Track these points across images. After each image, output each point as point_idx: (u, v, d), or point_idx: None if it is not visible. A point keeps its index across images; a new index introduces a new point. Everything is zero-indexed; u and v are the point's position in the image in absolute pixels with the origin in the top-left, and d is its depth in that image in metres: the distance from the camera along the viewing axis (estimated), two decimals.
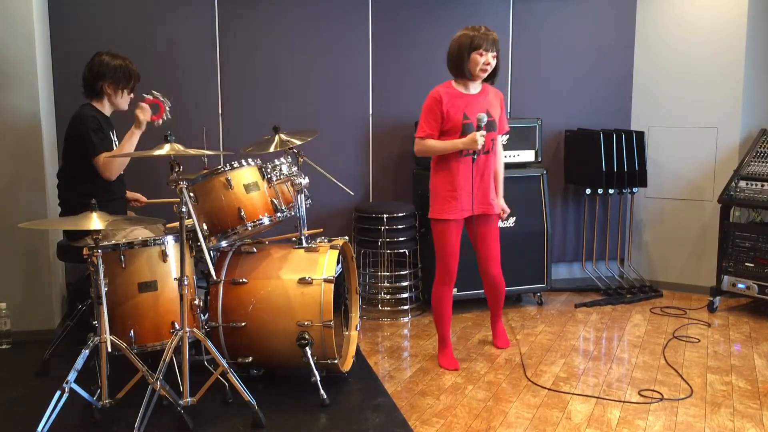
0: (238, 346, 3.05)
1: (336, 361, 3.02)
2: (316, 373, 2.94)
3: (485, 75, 3.23)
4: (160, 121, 3.36)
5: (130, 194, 3.62)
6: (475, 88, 3.29)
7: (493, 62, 3.20)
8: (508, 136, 4.31)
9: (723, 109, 4.55)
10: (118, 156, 3.11)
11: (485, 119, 3.15)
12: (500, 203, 3.47)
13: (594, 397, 3.07)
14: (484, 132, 3.14)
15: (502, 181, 3.50)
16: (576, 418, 2.86)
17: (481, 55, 3.16)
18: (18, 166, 3.66)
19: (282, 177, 3.13)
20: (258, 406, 2.73)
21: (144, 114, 3.22)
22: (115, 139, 3.32)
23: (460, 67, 3.22)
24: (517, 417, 2.87)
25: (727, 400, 3.05)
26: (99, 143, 3.15)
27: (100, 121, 3.22)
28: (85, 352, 2.64)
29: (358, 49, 4.55)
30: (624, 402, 3.02)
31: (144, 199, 3.71)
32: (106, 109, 3.33)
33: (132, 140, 3.18)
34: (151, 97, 3.35)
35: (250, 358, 3.05)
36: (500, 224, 4.26)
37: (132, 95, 3.37)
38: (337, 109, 4.55)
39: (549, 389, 3.15)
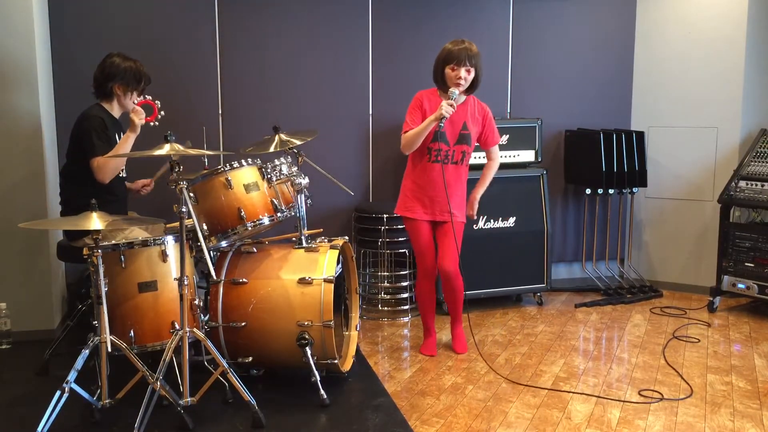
0: (238, 346, 3.05)
1: (336, 361, 3.02)
2: (316, 373, 2.94)
3: (461, 88, 3.32)
4: (155, 123, 3.34)
5: (134, 185, 3.58)
6: (456, 100, 3.33)
7: (467, 76, 3.29)
8: (508, 135, 4.34)
9: (723, 109, 4.56)
10: (110, 162, 3.10)
11: (456, 94, 3.27)
12: (474, 195, 3.56)
13: (594, 396, 3.07)
14: (452, 102, 3.23)
15: (487, 184, 3.59)
16: (576, 418, 2.86)
17: (453, 69, 3.29)
18: (18, 166, 3.66)
19: (282, 177, 3.14)
20: (258, 406, 2.73)
21: (139, 117, 3.21)
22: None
23: (437, 79, 3.39)
24: (517, 417, 2.87)
25: (727, 400, 3.05)
26: (98, 145, 3.14)
27: (105, 122, 3.21)
28: (85, 352, 2.64)
29: (358, 49, 4.55)
30: (624, 402, 3.02)
31: (148, 180, 3.61)
32: (115, 110, 3.33)
33: (127, 144, 3.17)
34: (142, 99, 3.33)
35: (250, 358, 3.05)
36: (500, 224, 4.30)
37: (141, 97, 3.37)
38: (337, 109, 4.55)
39: (549, 389, 3.15)
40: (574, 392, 3.11)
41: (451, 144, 3.40)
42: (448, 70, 3.30)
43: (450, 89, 3.28)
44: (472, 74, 3.31)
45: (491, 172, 3.61)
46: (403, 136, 3.40)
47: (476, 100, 3.50)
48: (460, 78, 3.27)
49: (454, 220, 3.44)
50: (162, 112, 3.36)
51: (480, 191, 3.60)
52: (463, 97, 3.42)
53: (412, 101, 3.44)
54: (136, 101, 3.32)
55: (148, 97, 3.34)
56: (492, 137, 3.55)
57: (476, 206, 3.59)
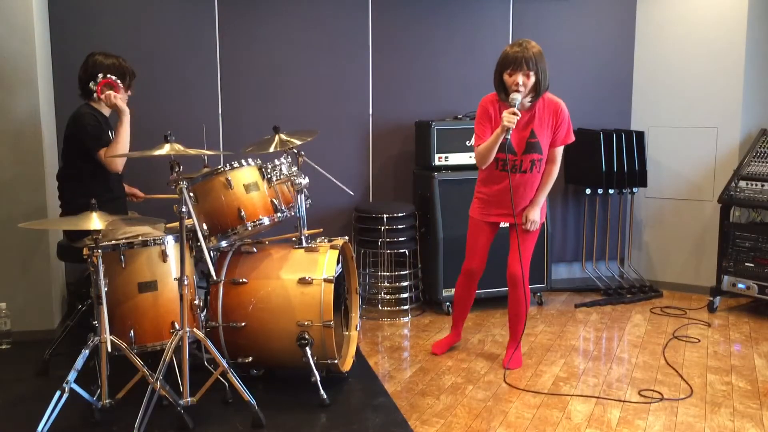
0: (238, 346, 3.05)
1: (336, 361, 3.02)
2: (316, 373, 2.94)
3: (521, 94, 3.09)
4: (128, 92, 3.32)
5: (127, 189, 3.62)
6: (522, 106, 3.17)
7: (526, 80, 3.08)
8: None
9: (723, 109, 4.55)
10: (119, 152, 3.10)
11: (518, 101, 3.07)
12: (527, 212, 3.29)
13: (594, 397, 3.07)
14: (514, 110, 3.03)
15: (543, 194, 3.32)
16: (576, 418, 2.86)
17: (510, 75, 3.10)
18: (18, 165, 3.66)
19: (282, 177, 3.13)
20: (258, 406, 2.73)
21: (117, 99, 3.16)
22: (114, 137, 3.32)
23: (497, 85, 3.19)
24: (517, 417, 2.87)
25: (727, 400, 3.05)
26: (99, 138, 3.15)
27: (98, 118, 3.23)
28: (85, 352, 2.64)
29: (358, 49, 4.55)
30: (624, 402, 3.02)
31: (141, 194, 3.71)
32: (104, 108, 3.33)
33: (124, 128, 3.16)
34: (100, 81, 3.25)
35: (250, 358, 3.05)
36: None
37: (129, 92, 3.36)
38: (337, 109, 4.55)
39: (546, 393, 3.15)
40: (573, 394, 3.11)
41: (518, 154, 3.20)
42: (506, 76, 3.10)
43: (511, 96, 3.07)
44: (533, 78, 3.07)
45: (548, 180, 3.30)
46: (475, 151, 3.24)
47: (547, 99, 3.23)
48: (517, 84, 3.06)
49: (528, 226, 3.30)
50: (118, 80, 3.25)
51: (533, 210, 3.29)
52: (529, 103, 3.19)
53: (477, 110, 3.24)
54: (93, 88, 3.20)
55: (100, 78, 3.23)
56: (559, 136, 3.24)
57: (531, 225, 3.29)
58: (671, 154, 4.77)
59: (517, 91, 3.08)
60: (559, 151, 3.30)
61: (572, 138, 3.30)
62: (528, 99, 3.17)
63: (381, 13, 4.55)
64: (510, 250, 3.34)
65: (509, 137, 3.08)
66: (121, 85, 3.24)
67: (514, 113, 3.03)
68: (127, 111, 3.18)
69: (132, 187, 3.69)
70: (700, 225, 4.71)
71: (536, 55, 3.08)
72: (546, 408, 2.96)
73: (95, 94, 3.19)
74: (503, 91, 3.16)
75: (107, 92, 3.17)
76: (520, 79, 3.06)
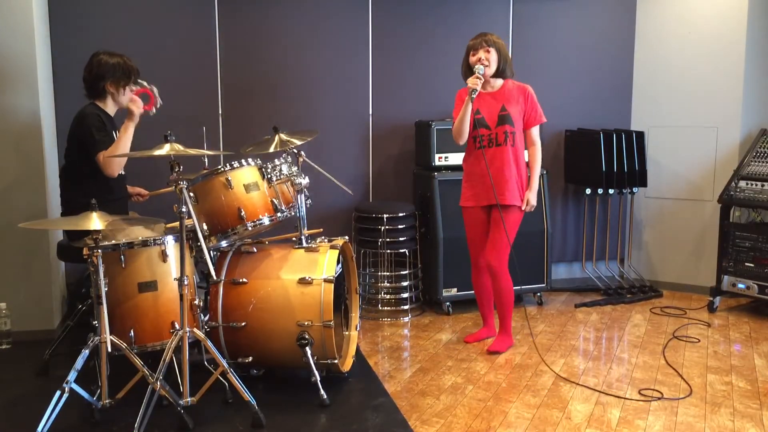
0: (238, 346, 3.05)
1: (336, 361, 3.02)
2: (316, 373, 2.94)
3: (483, 66, 3.40)
4: (153, 110, 3.36)
5: (131, 189, 3.62)
6: (492, 86, 3.53)
7: (487, 55, 3.42)
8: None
9: (723, 109, 4.56)
10: (118, 155, 3.11)
11: (482, 70, 3.38)
12: (526, 195, 3.52)
13: (597, 391, 3.07)
14: (477, 75, 3.35)
15: (535, 175, 3.54)
16: (576, 418, 2.86)
17: (473, 55, 3.45)
18: (18, 165, 3.66)
19: (282, 177, 3.13)
20: (258, 406, 2.73)
21: (137, 106, 3.23)
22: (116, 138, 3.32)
23: (464, 73, 3.52)
24: (517, 417, 2.87)
25: (727, 400, 3.05)
26: (100, 140, 3.15)
27: (102, 119, 3.23)
28: (85, 352, 2.64)
29: (358, 49, 4.55)
30: (625, 399, 3.02)
31: (145, 192, 3.69)
32: (110, 108, 3.34)
33: (128, 134, 3.18)
34: (139, 87, 3.33)
35: (250, 358, 3.05)
36: None
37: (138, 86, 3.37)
38: (337, 109, 4.55)
39: (557, 375, 3.15)
40: (576, 382, 3.12)
41: (492, 127, 3.46)
42: (471, 60, 3.44)
43: (475, 67, 3.39)
44: (493, 54, 3.41)
45: (534, 161, 3.54)
46: (452, 131, 3.52)
47: (516, 83, 3.54)
48: (480, 60, 3.40)
49: (507, 203, 3.47)
50: (159, 99, 3.35)
51: (531, 194, 3.53)
52: (500, 83, 3.51)
53: (455, 101, 3.55)
54: (132, 89, 3.31)
55: (145, 85, 3.33)
56: (531, 116, 3.52)
57: (528, 206, 3.54)
58: (671, 154, 4.78)
59: (484, 65, 3.41)
60: (536, 132, 3.56)
61: (544, 118, 3.57)
62: (496, 80, 3.50)
63: (381, 12, 4.55)
64: (488, 238, 3.52)
65: (473, 96, 3.34)
66: (158, 102, 3.33)
67: (478, 77, 3.35)
68: (136, 121, 3.22)
69: (135, 187, 3.68)
70: (700, 225, 4.71)
71: (495, 39, 3.44)
72: (546, 408, 2.96)
73: (124, 96, 3.27)
74: (471, 74, 3.43)
75: (137, 101, 3.24)
76: (481, 54, 3.41)
